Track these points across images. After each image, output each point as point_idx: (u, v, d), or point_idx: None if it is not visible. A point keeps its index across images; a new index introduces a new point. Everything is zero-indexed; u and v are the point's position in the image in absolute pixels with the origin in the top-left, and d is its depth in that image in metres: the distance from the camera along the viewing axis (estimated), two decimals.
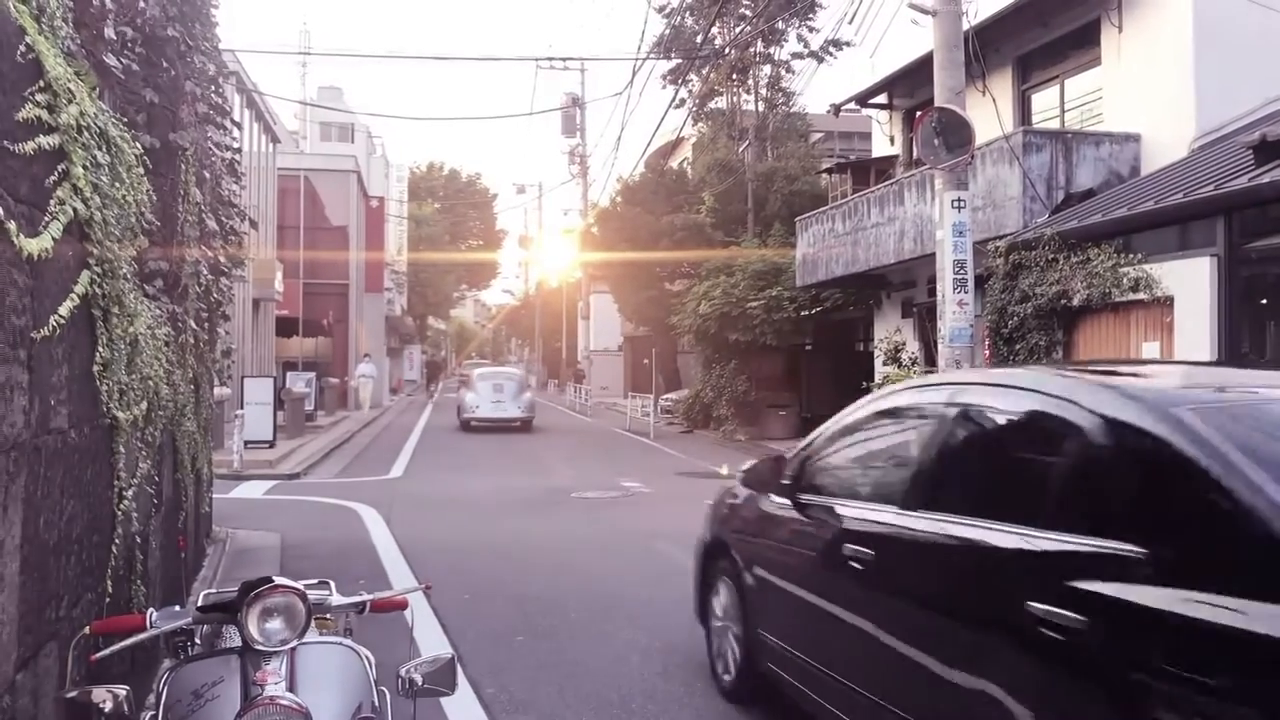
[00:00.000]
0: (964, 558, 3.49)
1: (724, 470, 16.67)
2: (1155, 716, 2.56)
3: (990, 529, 3.34)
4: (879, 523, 4.01)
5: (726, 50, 27.09)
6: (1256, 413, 3.09)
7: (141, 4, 6.14)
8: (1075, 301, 11.09)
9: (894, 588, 3.82)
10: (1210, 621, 2.46)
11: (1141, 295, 10.38)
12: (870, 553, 3.93)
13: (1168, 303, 10.15)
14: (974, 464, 3.88)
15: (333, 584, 3.14)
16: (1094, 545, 2.90)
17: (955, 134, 12.02)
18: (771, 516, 5.07)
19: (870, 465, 4.80)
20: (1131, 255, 10.57)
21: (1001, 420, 3.81)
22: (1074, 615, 2.79)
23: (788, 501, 4.86)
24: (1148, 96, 12.90)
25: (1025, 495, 3.39)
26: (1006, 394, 3.83)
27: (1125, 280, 10.53)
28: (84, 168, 3.28)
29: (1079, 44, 14.45)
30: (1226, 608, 2.46)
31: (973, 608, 3.36)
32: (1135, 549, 2.76)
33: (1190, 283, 9.87)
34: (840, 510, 4.37)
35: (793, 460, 5.14)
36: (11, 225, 2.64)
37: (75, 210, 3.21)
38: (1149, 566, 2.71)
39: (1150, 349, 10.44)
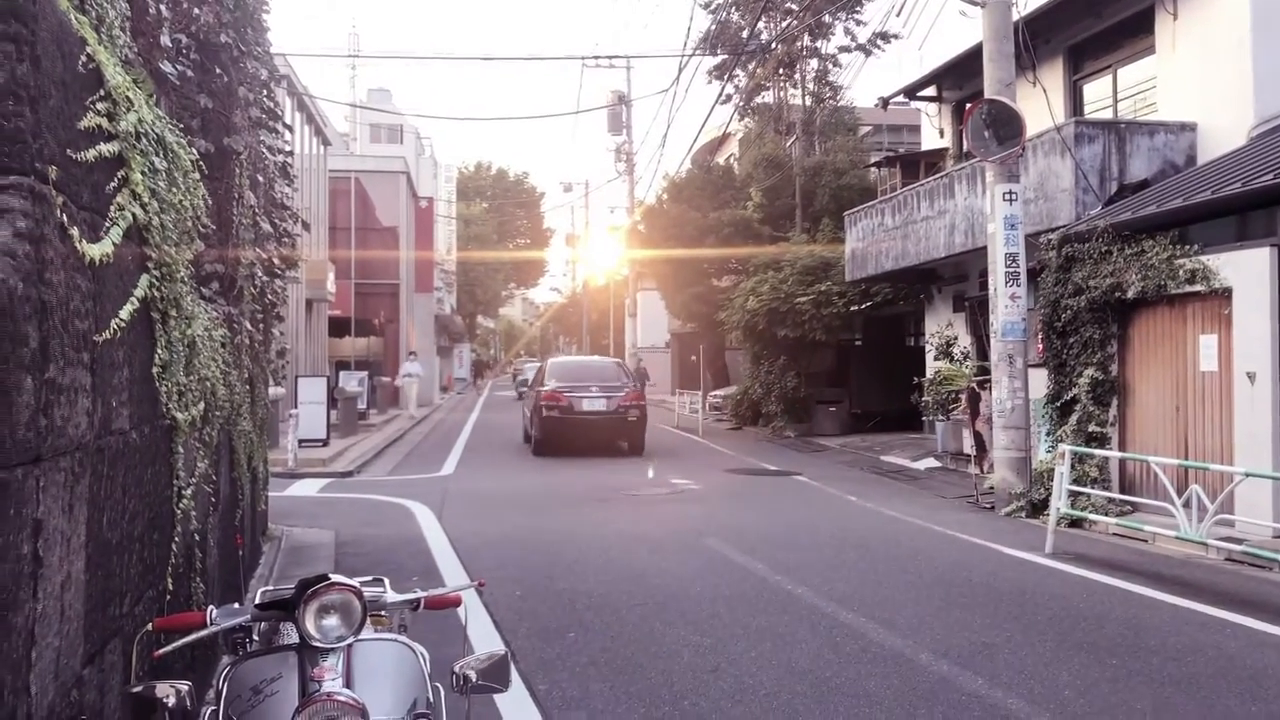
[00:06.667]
0: None
1: (770, 467, 16.63)
2: None
3: None
4: None
5: (773, 45, 26.96)
6: None
7: (196, 11, 6.26)
8: (1130, 294, 10.91)
9: None
10: None
11: (1199, 287, 10.19)
12: None
13: (1225, 294, 9.95)
14: None
15: (387, 581, 3.17)
16: None
17: (1006, 126, 11.91)
18: None
19: None
20: (1188, 246, 10.38)
21: None
22: None
23: None
24: (1204, 84, 12.65)
25: None
26: None
27: (1181, 272, 10.34)
28: (142, 174, 3.33)
29: (1132, 32, 14.21)
30: None
31: None
32: None
33: (1249, 274, 9.66)
34: None
35: None
36: (75, 231, 2.70)
37: (134, 215, 3.27)
38: None
39: (1208, 341, 10.24)
